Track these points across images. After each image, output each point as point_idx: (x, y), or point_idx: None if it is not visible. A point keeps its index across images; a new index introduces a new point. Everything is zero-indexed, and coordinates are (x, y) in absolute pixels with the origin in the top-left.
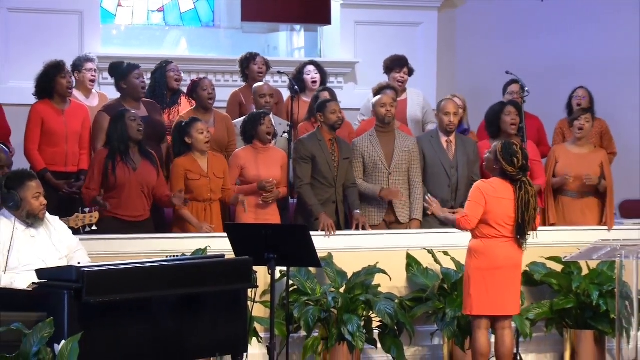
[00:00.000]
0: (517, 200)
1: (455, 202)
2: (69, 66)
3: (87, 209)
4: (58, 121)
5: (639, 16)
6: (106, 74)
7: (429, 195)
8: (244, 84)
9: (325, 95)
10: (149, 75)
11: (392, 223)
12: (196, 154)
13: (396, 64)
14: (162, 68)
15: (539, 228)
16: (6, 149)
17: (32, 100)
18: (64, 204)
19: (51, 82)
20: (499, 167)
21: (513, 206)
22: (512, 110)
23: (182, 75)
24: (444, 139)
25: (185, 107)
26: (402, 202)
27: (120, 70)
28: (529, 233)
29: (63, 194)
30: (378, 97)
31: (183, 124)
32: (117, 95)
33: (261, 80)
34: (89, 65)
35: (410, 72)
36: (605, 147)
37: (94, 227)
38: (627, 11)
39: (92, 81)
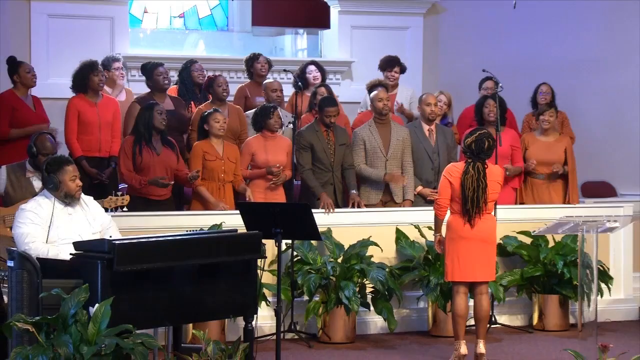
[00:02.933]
0: (461, 180)
1: (438, 183)
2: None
3: (119, 192)
4: (92, 112)
5: (596, 19)
6: (134, 72)
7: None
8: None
9: (323, 91)
10: (172, 72)
11: (387, 202)
12: (213, 139)
13: (389, 64)
14: (187, 68)
15: (511, 206)
16: (52, 139)
17: (69, 94)
18: (99, 187)
19: (85, 79)
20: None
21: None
22: (490, 103)
23: (205, 72)
24: (426, 128)
25: None
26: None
27: (147, 69)
28: (476, 212)
29: (94, 181)
30: (375, 92)
31: (205, 113)
32: (146, 90)
33: (264, 77)
34: (116, 64)
35: (402, 70)
36: (565, 133)
37: (124, 209)
38: (588, 15)
39: (120, 78)
